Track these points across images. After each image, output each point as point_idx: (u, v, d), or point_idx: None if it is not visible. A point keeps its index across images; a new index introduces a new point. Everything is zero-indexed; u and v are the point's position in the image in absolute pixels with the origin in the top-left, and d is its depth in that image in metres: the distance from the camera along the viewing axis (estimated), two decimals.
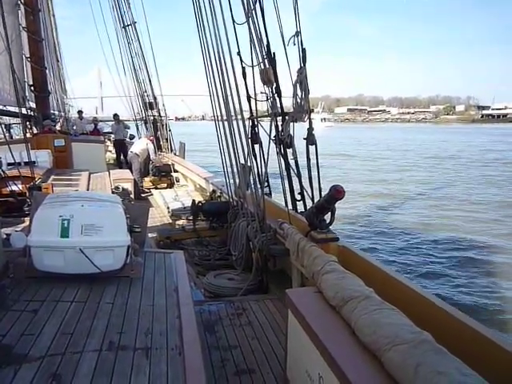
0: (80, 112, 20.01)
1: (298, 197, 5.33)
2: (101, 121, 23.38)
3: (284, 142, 5.20)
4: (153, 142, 13.84)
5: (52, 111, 15.15)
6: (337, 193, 3.76)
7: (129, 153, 13.26)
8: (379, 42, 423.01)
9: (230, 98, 5.48)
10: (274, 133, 5.28)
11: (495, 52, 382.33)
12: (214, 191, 8.91)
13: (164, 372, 2.11)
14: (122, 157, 15.92)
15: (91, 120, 19.79)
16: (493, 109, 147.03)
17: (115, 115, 16.86)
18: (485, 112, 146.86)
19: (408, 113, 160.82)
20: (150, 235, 6.94)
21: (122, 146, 16.12)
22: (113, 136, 17.60)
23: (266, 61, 5.13)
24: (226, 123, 5.76)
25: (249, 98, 5.86)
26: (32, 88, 12.37)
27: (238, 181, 6.24)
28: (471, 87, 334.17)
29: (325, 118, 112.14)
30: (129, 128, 17.25)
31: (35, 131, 12.47)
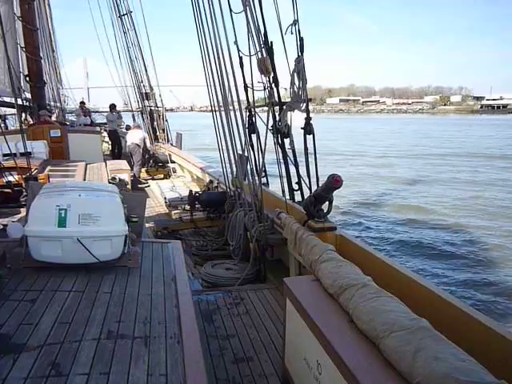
0: (83, 103, 19.85)
1: (296, 186, 5.32)
2: (94, 111, 23.26)
3: (281, 131, 5.19)
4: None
5: (48, 102, 15.02)
6: (335, 182, 3.76)
7: (128, 144, 13.12)
8: (368, 32, 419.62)
9: (227, 87, 5.46)
10: (271, 122, 5.26)
11: (487, 42, 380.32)
12: (211, 181, 8.90)
13: (163, 360, 2.12)
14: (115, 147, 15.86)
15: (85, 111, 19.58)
16: (488, 99, 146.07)
17: (112, 105, 16.75)
18: (484, 103, 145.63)
19: (404, 103, 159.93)
20: (147, 225, 6.96)
21: (114, 136, 16.06)
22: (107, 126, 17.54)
23: (263, 50, 5.10)
24: (223, 113, 5.74)
25: (246, 87, 5.83)
26: (27, 78, 12.24)
27: (235, 171, 6.23)
28: (462, 78, 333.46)
29: None
30: (121, 117, 17.23)
31: (31, 122, 12.38)
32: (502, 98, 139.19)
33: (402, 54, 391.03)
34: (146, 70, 16.10)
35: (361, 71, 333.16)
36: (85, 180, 7.26)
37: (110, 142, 16.94)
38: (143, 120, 16.37)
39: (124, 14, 15.41)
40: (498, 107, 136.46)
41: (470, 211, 14.70)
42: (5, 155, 7.01)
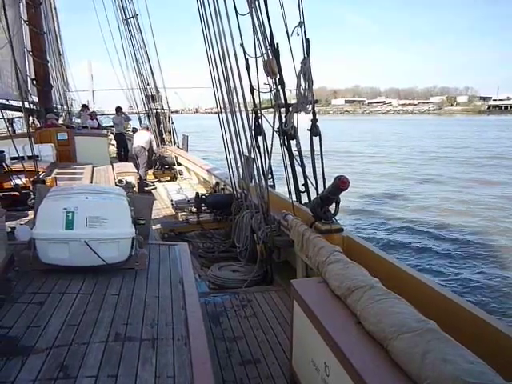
0: (85, 106, 19.98)
1: (302, 188, 5.31)
2: (100, 114, 23.44)
3: (288, 133, 5.18)
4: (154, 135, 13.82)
5: (54, 105, 15.10)
6: (341, 183, 3.74)
7: (134, 146, 13.18)
8: (368, 32, 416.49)
9: (233, 89, 5.46)
10: (277, 124, 5.26)
11: (487, 42, 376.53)
12: (217, 183, 8.91)
13: (170, 362, 2.12)
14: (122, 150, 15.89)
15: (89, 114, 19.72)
16: (494, 99, 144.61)
17: (118, 108, 16.80)
18: (492, 103, 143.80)
19: (410, 104, 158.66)
20: (153, 228, 6.97)
21: (120, 139, 16.07)
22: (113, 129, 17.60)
23: (269, 52, 5.09)
24: (229, 115, 5.74)
25: (252, 89, 5.83)
26: (34, 82, 12.33)
27: (241, 173, 6.23)
28: (464, 77, 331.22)
29: None
30: (128, 120, 17.39)
31: (38, 125, 12.46)
32: (509, 99, 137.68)
33: (402, 54, 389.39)
34: (153, 73, 16.15)
35: (365, 72, 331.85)
36: (92, 183, 7.30)
37: (116, 145, 17.01)
38: (149, 122, 16.42)
39: (130, 17, 15.45)
40: (506, 107, 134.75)
41: (486, 211, 14.55)
42: (12, 158, 7.07)
